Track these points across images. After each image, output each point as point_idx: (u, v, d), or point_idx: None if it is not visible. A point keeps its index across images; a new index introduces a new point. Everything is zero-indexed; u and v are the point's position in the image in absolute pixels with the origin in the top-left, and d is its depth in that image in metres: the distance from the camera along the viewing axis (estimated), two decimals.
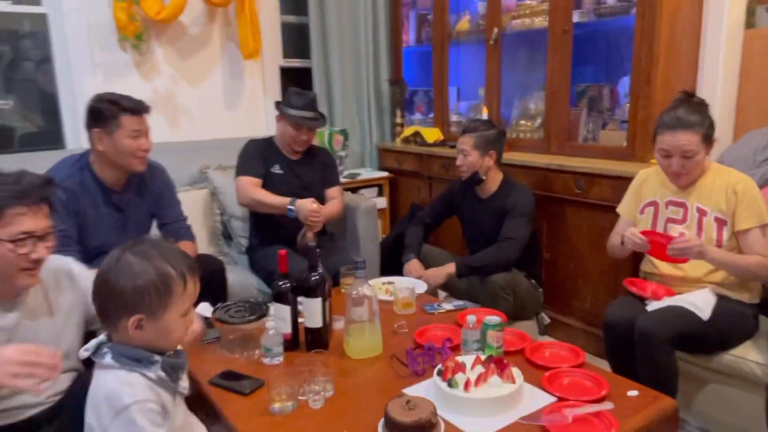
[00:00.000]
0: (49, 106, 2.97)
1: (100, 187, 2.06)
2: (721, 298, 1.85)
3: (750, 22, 2.53)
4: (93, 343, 1.09)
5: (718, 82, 2.48)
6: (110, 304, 1.06)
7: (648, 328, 1.74)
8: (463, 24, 3.48)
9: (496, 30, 3.06)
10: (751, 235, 1.82)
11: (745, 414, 1.81)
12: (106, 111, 1.96)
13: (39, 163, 2.17)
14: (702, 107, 1.86)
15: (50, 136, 2.98)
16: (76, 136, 2.93)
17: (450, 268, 2.37)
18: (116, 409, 1.01)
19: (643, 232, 1.87)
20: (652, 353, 1.73)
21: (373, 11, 3.69)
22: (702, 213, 1.90)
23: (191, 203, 2.77)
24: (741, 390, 1.82)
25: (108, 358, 1.05)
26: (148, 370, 1.06)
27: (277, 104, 2.60)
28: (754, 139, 2.41)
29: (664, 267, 1.97)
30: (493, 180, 2.46)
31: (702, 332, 1.77)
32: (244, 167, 2.57)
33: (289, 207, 2.45)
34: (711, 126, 1.85)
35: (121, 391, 1.02)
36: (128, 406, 1.00)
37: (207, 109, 3.30)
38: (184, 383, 1.14)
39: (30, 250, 1.27)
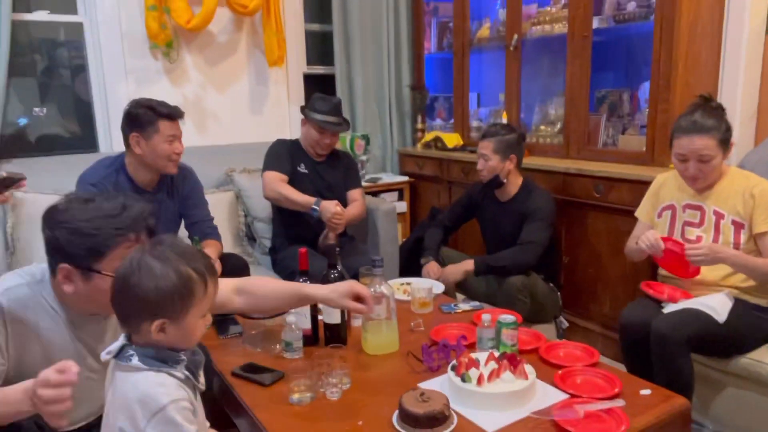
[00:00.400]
0: (83, 112, 3.10)
1: (133, 188, 2.16)
2: (737, 301, 1.85)
3: None
4: (116, 345, 1.07)
5: (738, 88, 2.47)
6: (132, 308, 1.05)
7: (664, 329, 1.75)
8: (484, 31, 3.53)
9: (516, 36, 3.10)
10: None
11: (762, 417, 1.80)
12: (145, 116, 2.06)
13: (74, 165, 2.30)
14: (719, 111, 1.87)
15: (84, 140, 3.10)
16: (109, 140, 3.06)
17: (469, 265, 2.40)
18: (153, 411, 1.00)
19: (648, 282, 1.90)
20: (668, 355, 1.74)
21: (395, 19, 3.76)
22: (719, 216, 1.90)
23: (217, 205, 2.85)
24: (758, 394, 1.82)
25: (135, 360, 1.04)
26: (174, 370, 1.06)
27: (303, 108, 2.68)
28: None
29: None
30: (514, 183, 2.49)
31: (718, 335, 1.78)
32: (272, 163, 2.64)
33: (314, 207, 2.51)
34: (728, 130, 1.85)
35: (156, 392, 1.01)
36: (165, 406, 1.00)
37: (233, 115, 3.40)
38: (201, 379, 1.15)
39: None
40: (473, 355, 1.50)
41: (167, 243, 1.09)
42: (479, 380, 1.40)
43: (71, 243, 1.18)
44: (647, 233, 1.91)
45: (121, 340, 1.08)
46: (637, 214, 2.16)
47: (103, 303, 1.12)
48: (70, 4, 2.96)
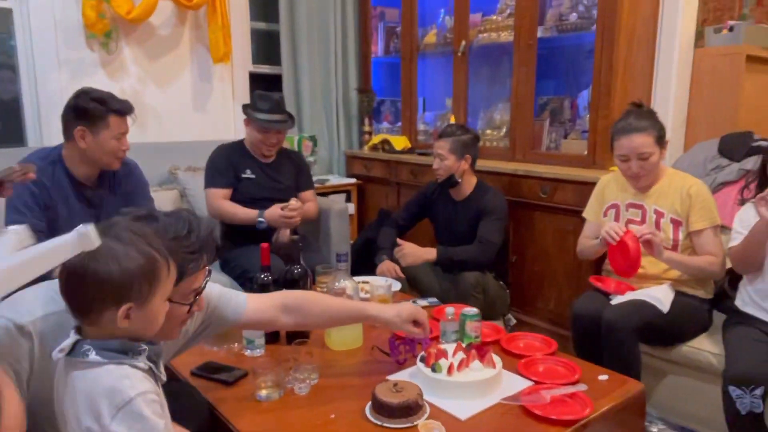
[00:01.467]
0: (9, 104, 2.88)
1: (72, 182, 2.03)
2: (678, 293, 1.97)
3: (699, 43, 2.73)
4: (68, 342, 0.98)
5: (671, 97, 2.65)
6: (94, 296, 0.96)
7: (614, 319, 1.84)
8: (431, 37, 3.60)
9: (464, 43, 3.18)
10: (704, 235, 1.95)
11: (702, 402, 1.92)
12: (95, 110, 1.92)
13: (0, 159, 2.10)
14: (650, 113, 2.01)
15: (11, 134, 2.88)
16: (38, 134, 2.86)
17: (431, 253, 2.43)
18: (118, 405, 0.93)
19: (596, 276, 2.04)
20: (618, 343, 1.84)
21: (342, 22, 3.76)
22: (659, 215, 2.02)
23: (160, 204, 2.71)
24: (698, 380, 1.94)
25: (93, 355, 0.96)
26: (137, 361, 0.99)
27: (245, 108, 2.60)
28: (703, 150, 2.60)
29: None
30: (468, 183, 2.54)
31: (662, 324, 1.89)
32: (211, 179, 2.56)
33: (259, 219, 2.47)
34: (662, 128, 1.99)
35: (121, 385, 0.95)
36: (132, 399, 0.94)
37: (175, 111, 3.28)
38: (162, 369, 1.08)
39: (196, 305, 1.16)
40: (441, 346, 1.51)
41: (121, 225, 1.01)
42: (449, 370, 1.41)
43: None
44: (612, 224, 1.99)
45: (73, 335, 1.00)
46: (585, 214, 2.25)
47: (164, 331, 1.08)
48: None
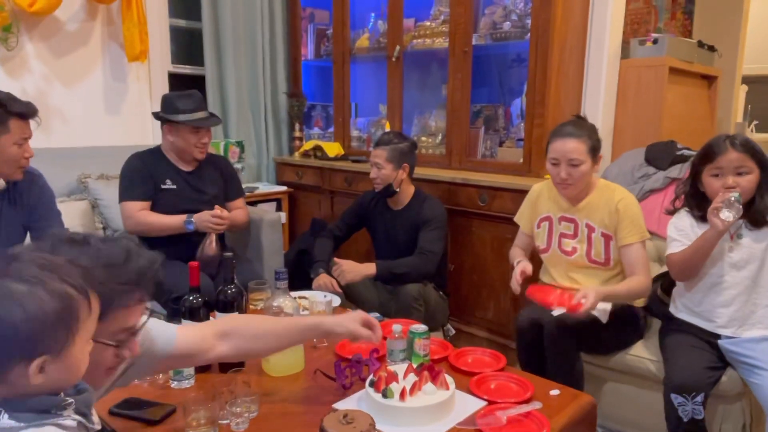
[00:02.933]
0: None
1: None
2: (615, 304, 1.98)
3: (625, 53, 2.82)
4: None
5: (599, 106, 2.72)
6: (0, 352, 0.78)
7: (554, 331, 1.84)
8: (363, 41, 3.52)
9: (398, 48, 3.12)
10: (632, 250, 1.91)
11: (643, 409, 1.95)
12: None
13: None
14: (589, 126, 1.99)
15: None
16: None
17: (370, 269, 2.33)
18: None
19: (534, 288, 1.92)
20: (561, 353, 1.84)
21: (270, 22, 3.60)
22: (591, 229, 1.99)
23: (69, 216, 2.45)
24: (638, 387, 1.96)
25: (5, 419, 0.78)
26: (62, 419, 0.81)
27: (162, 113, 2.37)
28: (630, 159, 2.67)
29: (561, 280, 2.06)
30: (406, 192, 2.47)
31: (602, 334, 1.90)
32: (127, 191, 2.33)
33: (188, 220, 2.28)
34: (598, 141, 1.96)
35: None
36: None
37: (85, 114, 2.99)
38: (95, 418, 0.89)
39: (127, 349, 0.95)
40: (390, 369, 1.42)
41: (25, 256, 0.82)
42: (402, 394, 1.32)
43: None
44: (516, 270, 1.98)
45: None
46: (516, 219, 2.22)
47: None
48: None
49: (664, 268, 2.15)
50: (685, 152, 2.55)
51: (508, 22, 2.80)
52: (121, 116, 3.14)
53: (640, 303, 2.02)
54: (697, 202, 1.80)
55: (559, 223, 2.07)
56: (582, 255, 2.01)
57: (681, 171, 2.46)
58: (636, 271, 1.91)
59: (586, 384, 2.00)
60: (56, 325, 0.78)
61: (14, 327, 0.76)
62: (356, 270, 2.34)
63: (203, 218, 2.28)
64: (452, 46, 2.88)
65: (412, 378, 1.38)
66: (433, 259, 2.34)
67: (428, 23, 3.18)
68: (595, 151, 1.94)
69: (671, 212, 1.88)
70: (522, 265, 2.01)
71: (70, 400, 0.82)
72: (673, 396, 1.64)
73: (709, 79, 3.28)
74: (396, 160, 2.39)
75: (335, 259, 2.40)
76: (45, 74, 2.84)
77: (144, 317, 0.98)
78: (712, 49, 3.30)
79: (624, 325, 1.98)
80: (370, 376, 1.40)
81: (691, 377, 1.64)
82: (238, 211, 2.52)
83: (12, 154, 1.77)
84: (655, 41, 2.75)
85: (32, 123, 1.83)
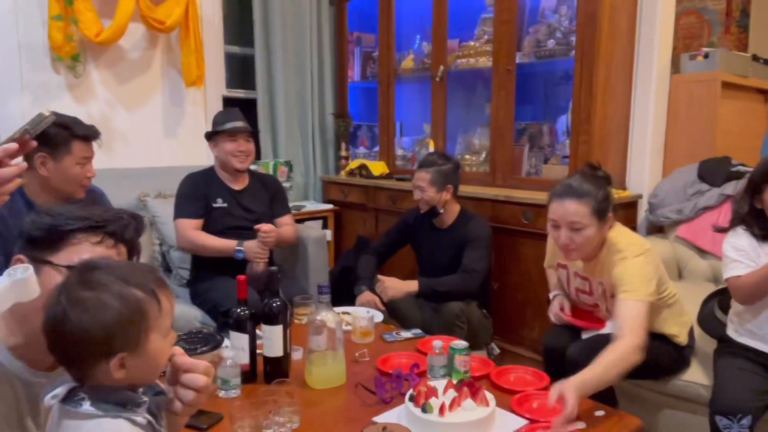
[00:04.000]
0: None
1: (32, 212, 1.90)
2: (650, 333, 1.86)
3: (675, 68, 2.76)
4: (63, 388, 0.88)
5: (649, 122, 2.67)
6: (79, 352, 0.86)
7: (576, 356, 1.74)
8: (408, 62, 3.58)
9: (442, 68, 3.16)
10: (623, 306, 1.63)
11: None
12: (57, 136, 1.81)
13: None
14: (600, 180, 1.74)
15: None
16: None
17: (412, 285, 2.35)
18: None
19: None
20: None
21: (318, 46, 3.72)
22: (604, 287, 1.83)
23: None
24: (687, 411, 1.89)
25: (86, 406, 0.86)
26: (135, 415, 0.88)
27: (207, 134, 2.53)
28: (682, 176, 2.61)
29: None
30: (451, 212, 2.48)
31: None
32: (181, 208, 2.44)
33: (237, 248, 2.36)
34: (606, 200, 1.70)
35: None
36: None
37: (145, 136, 3.16)
38: (164, 423, 0.95)
39: None
40: (431, 384, 1.43)
41: (101, 266, 0.91)
42: (441, 410, 1.32)
43: (33, 222, 1.02)
44: (556, 307, 1.95)
45: (67, 383, 0.89)
46: (545, 265, 2.12)
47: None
48: None
49: (720, 286, 2.08)
50: (741, 168, 2.47)
51: (552, 40, 2.80)
52: (178, 138, 3.30)
53: (687, 325, 1.93)
54: (757, 221, 1.72)
55: (575, 277, 1.91)
56: (605, 312, 1.88)
57: (736, 188, 2.38)
58: (623, 331, 1.56)
59: (633, 406, 1.93)
60: (126, 325, 0.87)
61: (85, 331, 0.84)
62: (399, 287, 2.36)
63: (251, 248, 2.36)
64: (496, 64, 2.90)
65: (451, 394, 1.39)
66: (476, 278, 2.34)
67: (472, 43, 3.21)
68: (600, 212, 1.69)
69: (721, 230, 1.81)
70: (559, 300, 1.95)
71: (145, 399, 0.90)
72: (717, 418, 1.57)
73: (766, 94, 3.16)
74: (439, 182, 2.40)
75: (379, 276, 2.43)
76: (109, 99, 3.03)
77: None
78: None
79: (660, 352, 1.80)
80: (410, 391, 1.41)
81: (737, 399, 1.56)
82: (285, 227, 2.59)
83: (74, 173, 1.87)
84: (706, 55, 2.69)
85: (95, 145, 1.95)
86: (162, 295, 0.93)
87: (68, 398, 0.87)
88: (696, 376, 1.87)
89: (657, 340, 1.84)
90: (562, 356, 1.83)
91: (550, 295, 2.03)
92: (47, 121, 1.10)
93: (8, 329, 1.02)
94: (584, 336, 1.88)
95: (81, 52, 2.82)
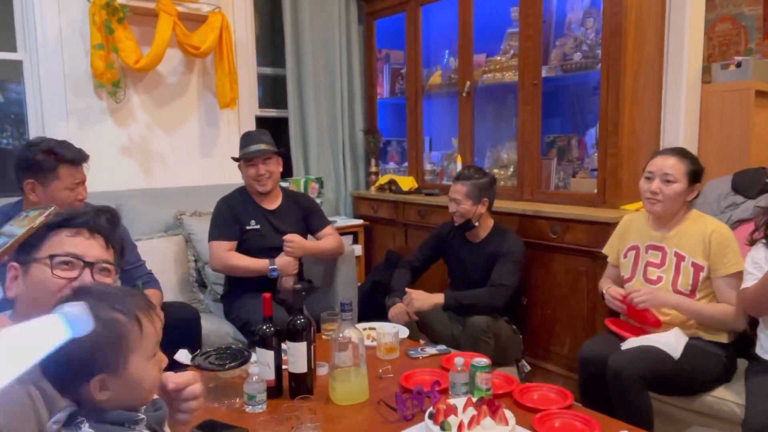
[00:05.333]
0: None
1: None
2: (694, 338, 1.88)
3: (705, 79, 2.71)
4: (63, 414, 0.92)
5: (680, 133, 2.62)
6: (63, 374, 0.91)
7: (619, 365, 1.77)
8: (436, 78, 3.62)
9: (468, 83, 3.18)
10: (727, 282, 1.87)
11: None
12: (44, 162, 1.85)
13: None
14: (694, 156, 1.99)
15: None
16: None
17: (438, 298, 2.38)
18: None
19: (614, 319, 1.96)
20: (625, 391, 1.75)
21: (348, 64, 3.80)
22: (680, 258, 1.95)
23: (165, 249, 2.72)
24: (722, 431, 1.83)
25: (86, 429, 0.90)
26: (134, 431, 0.94)
27: (233, 158, 2.60)
28: (716, 187, 2.54)
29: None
30: (485, 226, 2.50)
31: (671, 372, 1.80)
32: (215, 231, 2.51)
33: (272, 268, 2.42)
34: (699, 168, 1.95)
35: None
36: None
37: (182, 156, 3.29)
38: None
39: (76, 276, 1.13)
40: (450, 401, 1.44)
41: (92, 291, 0.96)
42: (459, 428, 1.33)
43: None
44: (612, 290, 1.99)
45: (68, 407, 0.94)
46: (605, 250, 2.21)
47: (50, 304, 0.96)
48: (9, 42, 2.82)
49: None
50: None
51: (578, 53, 2.79)
52: (213, 158, 3.41)
53: (723, 340, 1.90)
54: None
55: (646, 251, 2.03)
56: (667, 284, 1.96)
57: None
58: (729, 302, 1.85)
59: (665, 426, 1.90)
60: (105, 347, 0.90)
61: (68, 354, 0.86)
62: (425, 299, 2.39)
63: (283, 263, 2.43)
64: (521, 79, 2.90)
65: (471, 412, 1.39)
66: (503, 293, 2.34)
67: (499, 57, 3.22)
68: (694, 175, 1.93)
69: (751, 243, 1.78)
70: (613, 289, 2.02)
71: (142, 416, 0.94)
72: None
73: None
74: (475, 195, 2.43)
75: (406, 290, 2.46)
76: (148, 123, 3.17)
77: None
78: None
79: (701, 364, 1.85)
80: (430, 408, 1.43)
81: None
82: (327, 238, 2.63)
83: (63, 197, 1.87)
84: (738, 64, 2.63)
85: (84, 167, 1.93)
86: (145, 319, 0.96)
87: (68, 423, 0.91)
88: (729, 394, 1.82)
89: (698, 345, 1.84)
90: (600, 368, 1.83)
91: (603, 289, 2.09)
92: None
93: None
94: (624, 347, 1.87)
95: (121, 78, 2.96)
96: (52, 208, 1.27)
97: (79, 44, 2.88)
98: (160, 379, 1.02)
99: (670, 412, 1.92)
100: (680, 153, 1.94)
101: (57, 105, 2.87)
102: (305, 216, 2.66)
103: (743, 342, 1.89)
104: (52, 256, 1.12)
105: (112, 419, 0.92)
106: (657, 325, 1.91)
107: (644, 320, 1.94)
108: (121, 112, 3.07)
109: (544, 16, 2.83)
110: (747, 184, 2.41)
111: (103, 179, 2.78)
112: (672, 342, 1.82)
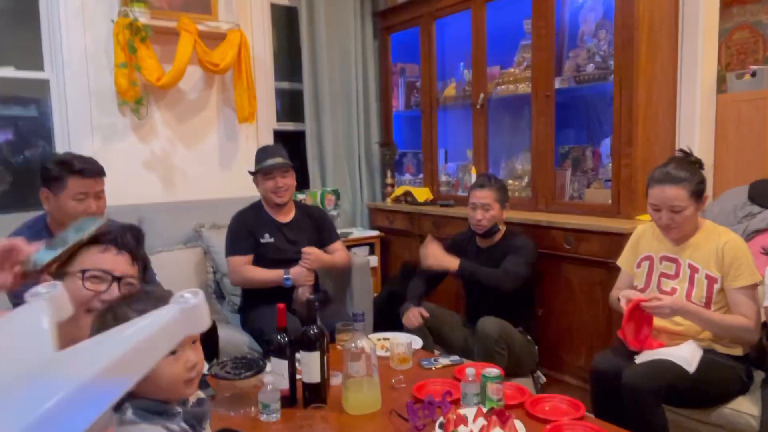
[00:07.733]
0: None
1: None
2: (709, 351, 1.86)
3: (722, 88, 2.70)
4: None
5: (695, 143, 2.60)
6: None
7: (634, 380, 1.75)
8: (450, 90, 3.66)
9: (482, 95, 3.21)
10: (741, 293, 1.84)
11: None
12: (54, 171, 1.89)
13: (9, 224, 2.07)
14: (693, 165, 1.91)
15: None
16: None
17: (453, 263, 2.40)
18: None
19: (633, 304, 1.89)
20: (640, 405, 1.74)
21: (363, 78, 3.86)
22: (694, 270, 1.92)
23: (184, 261, 2.79)
24: None
25: (129, 414, 1.00)
26: (171, 422, 1.02)
27: (250, 172, 2.66)
28: (733, 197, 2.52)
29: (659, 321, 1.98)
30: (501, 229, 2.54)
31: (687, 386, 1.78)
32: (232, 247, 2.57)
33: (285, 277, 2.47)
34: (701, 183, 1.89)
35: None
36: None
37: (202, 170, 3.37)
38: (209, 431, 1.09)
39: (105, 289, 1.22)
40: (461, 412, 1.46)
41: (137, 297, 1.05)
42: None
43: None
44: (626, 291, 1.94)
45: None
46: (618, 262, 2.18)
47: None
48: (36, 61, 2.93)
49: None
50: None
51: (591, 64, 2.80)
52: (232, 172, 3.49)
53: (737, 352, 1.88)
54: None
55: (660, 262, 2.01)
56: (682, 295, 1.93)
57: None
58: (743, 314, 1.83)
59: None
60: None
61: None
62: (439, 258, 2.42)
63: (298, 273, 2.48)
64: (534, 90, 2.92)
65: (480, 422, 1.41)
66: (513, 278, 2.34)
67: (512, 69, 3.25)
68: (698, 194, 1.87)
69: (767, 253, 1.76)
70: (630, 291, 1.96)
71: (179, 409, 1.03)
72: None
73: None
74: (501, 199, 2.47)
75: (428, 236, 2.52)
76: (170, 138, 3.26)
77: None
78: None
79: (717, 377, 1.82)
80: (440, 419, 1.45)
81: None
82: (337, 253, 2.68)
83: (70, 208, 1.88)
84: (753, 74, 2.61)
85: (93, 180, 1.91)
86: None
87: (118, 407, 1.01)
88: (746, 406, 1.80)
89: (713, 358, 1.82)
90: (614, 381, 1.81)
91: (619, 295, 1.99)
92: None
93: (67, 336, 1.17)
94: (638, 361, 1.86)
95: (144, 95, 3.05)
96: (105, 219, 1.38)
97: (103, 63, 2.99)
98: (182, 376, 1.05)
99: (686, 424, 1.90)
100: (677, 178, 1.85)
101: (82, 122, 2.97)
102: (318, 228, 2.71)
103: (760, 354, 1.86)
104: (83, 271, 1.22)
105: (153, 408, 1.01)
106: (649, 327, 1.89)
107: (640, 324, 1.89)
108: (143, 128, 3.16)
109: (556, 28, 2.86)
110: (764, 193, 2.39)
111: (126, 193, 2.87)
112: (687, 356, 1.80)
